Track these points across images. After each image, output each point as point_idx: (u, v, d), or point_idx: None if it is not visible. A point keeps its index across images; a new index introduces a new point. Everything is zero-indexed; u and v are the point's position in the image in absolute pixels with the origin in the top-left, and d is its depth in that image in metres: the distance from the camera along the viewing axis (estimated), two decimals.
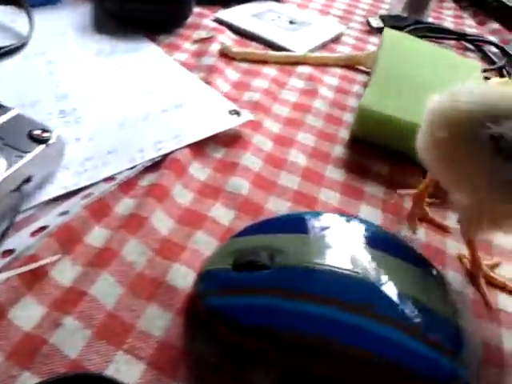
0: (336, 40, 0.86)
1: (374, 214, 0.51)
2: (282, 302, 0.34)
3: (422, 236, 0.50)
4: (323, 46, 0.82)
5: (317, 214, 0.42)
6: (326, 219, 0.41)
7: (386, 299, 0.34)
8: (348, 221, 0.41)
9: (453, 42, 0.95)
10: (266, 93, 0.66)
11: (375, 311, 0.33)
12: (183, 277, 0.40)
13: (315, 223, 0.40)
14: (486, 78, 0.73)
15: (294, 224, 0.40)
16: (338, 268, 0.35)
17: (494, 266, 0.47)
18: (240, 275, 0.36)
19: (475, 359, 0.35)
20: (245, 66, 0.72)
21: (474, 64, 0.75)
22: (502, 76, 0.83)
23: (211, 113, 0.58)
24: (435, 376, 0.33)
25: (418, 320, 0.34)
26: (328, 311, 0.33)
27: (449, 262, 0.47)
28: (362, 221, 0.42)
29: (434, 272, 0.39)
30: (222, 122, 0.57)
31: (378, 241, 0.39)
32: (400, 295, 0.34)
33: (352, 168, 0.57)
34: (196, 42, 0.75)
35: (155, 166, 0.50)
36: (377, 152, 0.59)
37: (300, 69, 0.74)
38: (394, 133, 0.56)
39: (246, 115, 0.58)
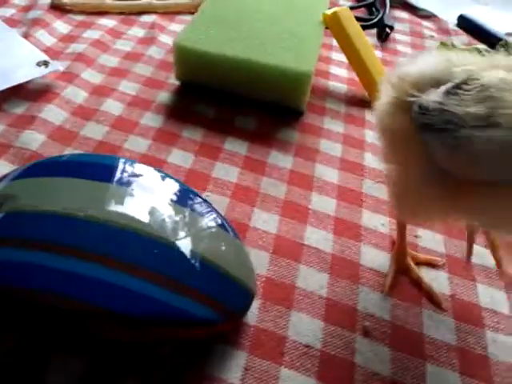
0: None
1: (184, 158, 0.48)
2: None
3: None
4: None
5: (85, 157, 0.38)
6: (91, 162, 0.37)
7: (126, 246, 0.31)
8: (114, 162, 0.37)
9: None
10: (95, 44, 0.62)
11: (112, 258, 0.30)
12: None
13: (64, 167, 0.36)
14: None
15: (46, 168, 0.36)
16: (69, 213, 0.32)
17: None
18: None
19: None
20: (80, 18, 0.67)
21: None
22: (370, 13, 0.80)
23: (16, 65, 0.53)
24: (184, 322, 0.31)
25: (172, 270, 0.31)
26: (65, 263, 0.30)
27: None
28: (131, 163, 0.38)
29: (216, 228, 0.36)
30: (26, 73, 0.52)
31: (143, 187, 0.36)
32: (153, 244, 0.32)
33: (174, 113, 0.53)
34: None
35: None
36: (205, 96, 0.56)
37: (144, 18, 0.70)
38: (213, 70, 0.53)
39: (55, 66, 0.53)
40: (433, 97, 0.30)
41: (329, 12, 0.58)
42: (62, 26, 0.65)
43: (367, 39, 0.61)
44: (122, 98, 0.54)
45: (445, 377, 0.35)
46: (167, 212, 0.34)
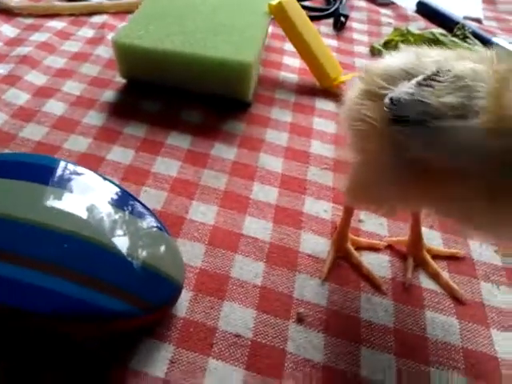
0: None
1: (125, 154, 0.47)
2: None
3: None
4: None
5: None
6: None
7: (37, 243, 0.31)
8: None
9: None
10: (42, 46, 0.61)
11: (21, 256, 0.30)
12: None
13: None
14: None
15: None
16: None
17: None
18: None
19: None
20: (29, 21, 0.66)
21: None
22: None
23: None
24: (92, 316, 0.30)
25: (85, 266, 0.31)
26: None
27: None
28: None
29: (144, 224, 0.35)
30: None
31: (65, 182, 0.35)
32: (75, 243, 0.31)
33: (117, 111, 0.53)
34: None
35: None
36: (151, 92, 0.55)
37: (95, 18, 0.69)
38: (155, 65, 0.52)
39: None
40: (405, 89, 0.29)
41: (274, 2, 0.57)
42: (9, 29, 0.64)
43: (315, 28, 0.61)
44: (65, 98, 0.54)
45: (379, 359, 0.34)
46: (85, 209, 0.34)
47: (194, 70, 0.52)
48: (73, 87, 0.55)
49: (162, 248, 0.34)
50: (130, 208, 0.35)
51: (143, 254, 0.33)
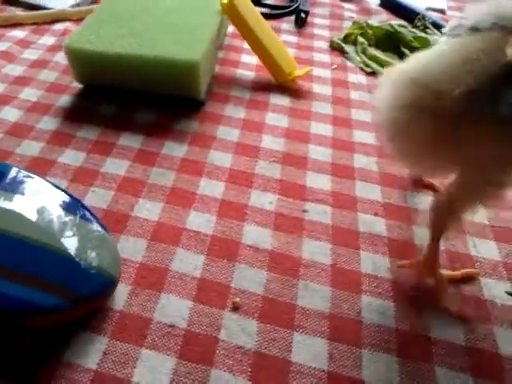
0: None
1: (76, 157, 0.48)
2: None
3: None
4: (95, 1, 0.77)
5: None
6: None
7: None
8: None
9: None
10: (1, 55, 0.62)
11: None
12: None
13: None
14: None
15: None
16: None
17: None
18: None
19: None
20: None
21: None
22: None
23: None
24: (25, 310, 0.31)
25: (9, 260, 0.32)
26: None
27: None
28: None
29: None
30: None
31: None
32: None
33: (72, 115, 0.54)
34: None
35: None
36: (107, 95, 0.56)
37: (57, 26, 0.70)
38: (107, 68, 0.53)
39: None
40: None
41: (225, 0, 0.58)
42: None
43: (268, 24, 0.61)
44: (21, 105, 0.55)
45: (312, 344, 0.35)
46: (17, 206, 0.34)
47: (144, 72, 0.53)
48: (30, 94, 0.57)
49: (96, 244, 0.35)
50: (63, 204, 0.36)
51: (74, 249, 0.34)
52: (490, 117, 0.29)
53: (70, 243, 0.34)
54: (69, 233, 0.35)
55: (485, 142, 0.30)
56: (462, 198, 0.35)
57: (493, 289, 0.39)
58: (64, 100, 0.56)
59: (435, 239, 0.38)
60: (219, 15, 0.59)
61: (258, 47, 0.60)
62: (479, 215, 0.44)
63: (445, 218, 0.36)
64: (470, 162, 0.32)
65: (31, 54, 0.64)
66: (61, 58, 0.63)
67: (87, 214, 0.37)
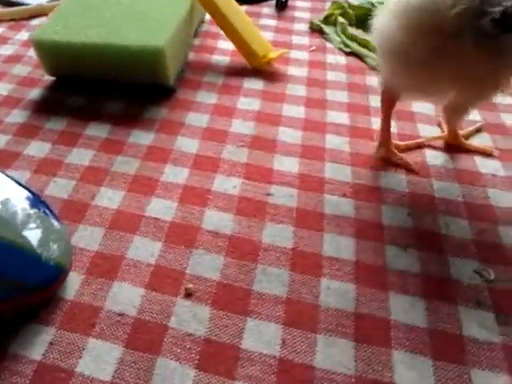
0: None
1: (41, 148, 0.48)
2: None
3: None
4: None
5: None
6: None
7: None
8: None
9: None
10: None
11: None
12: None
13: None
14: None
15: None
16: None
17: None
18: None
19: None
20: None
21: None
22: None
23: None
24: None
25: None
26: None
27: None
28: None
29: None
30: None
31: None
32: None
33: (41, 108, 0.53)
34: None
35: None
36: (77, 86, 0.56)
37: (35, 21, 0.70)
38: (74, 59, 0.53)
39: None
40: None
41: None
42: None
43: (240, 8, 0.60)
44: None
45: (265, 330, 0.33)
46: None
47: (111, 60, 0.52)
48: (1, 88, 0.56)
49: (45, 233, 0.34)
50: (14, 196, 0.35)
51: (20, 238, 0.33)
52: (478, 32, 0.32)
53: (16, 233, 0.33)
54: (15, 222, 0.34)
55: (480, 57, 0.33)
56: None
57: (461, 268, 0.37)
58: (34, 93, 0.56)
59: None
60: (189, 1, 0.58)
61: (231, 31, 0.58)
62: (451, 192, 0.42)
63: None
64: (467, 78, 0.36)
65: (6, 50, 0.64)
66: (34, 52, 0.62)
67: (37, 203, 0.36)
